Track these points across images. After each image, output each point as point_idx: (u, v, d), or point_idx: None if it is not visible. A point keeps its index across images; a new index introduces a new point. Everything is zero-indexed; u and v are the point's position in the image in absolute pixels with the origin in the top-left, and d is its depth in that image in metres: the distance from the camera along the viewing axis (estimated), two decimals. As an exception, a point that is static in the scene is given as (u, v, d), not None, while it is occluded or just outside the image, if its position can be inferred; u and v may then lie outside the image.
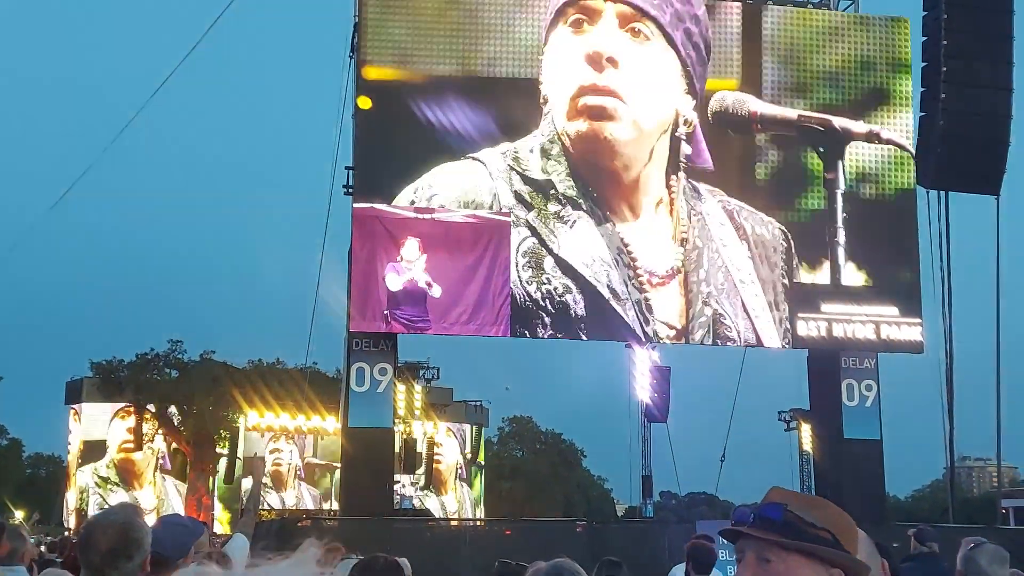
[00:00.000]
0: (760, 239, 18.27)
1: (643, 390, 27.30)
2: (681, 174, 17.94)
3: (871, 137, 18.18)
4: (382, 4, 18.54)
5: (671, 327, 17.93)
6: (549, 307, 17.68)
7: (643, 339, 18.06)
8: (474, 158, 17.99)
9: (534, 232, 17.81)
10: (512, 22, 18.53)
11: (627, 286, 17.64)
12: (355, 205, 18.14)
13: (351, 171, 18.86)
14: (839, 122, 17.98)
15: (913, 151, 18.63)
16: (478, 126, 18.04)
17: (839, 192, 18.12)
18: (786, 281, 18.32)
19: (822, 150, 17.96)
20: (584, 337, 18.01)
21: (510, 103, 18.27)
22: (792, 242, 18.49)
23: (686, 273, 17.98)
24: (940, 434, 20.70)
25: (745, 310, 17.90)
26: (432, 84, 18.26)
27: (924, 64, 20.31)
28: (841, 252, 18.38)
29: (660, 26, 17.89)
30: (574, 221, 17.91)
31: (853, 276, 18.81)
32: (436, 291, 17.68)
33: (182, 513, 32.88)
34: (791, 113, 17.98)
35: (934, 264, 20.31)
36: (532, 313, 17.77)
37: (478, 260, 18.12)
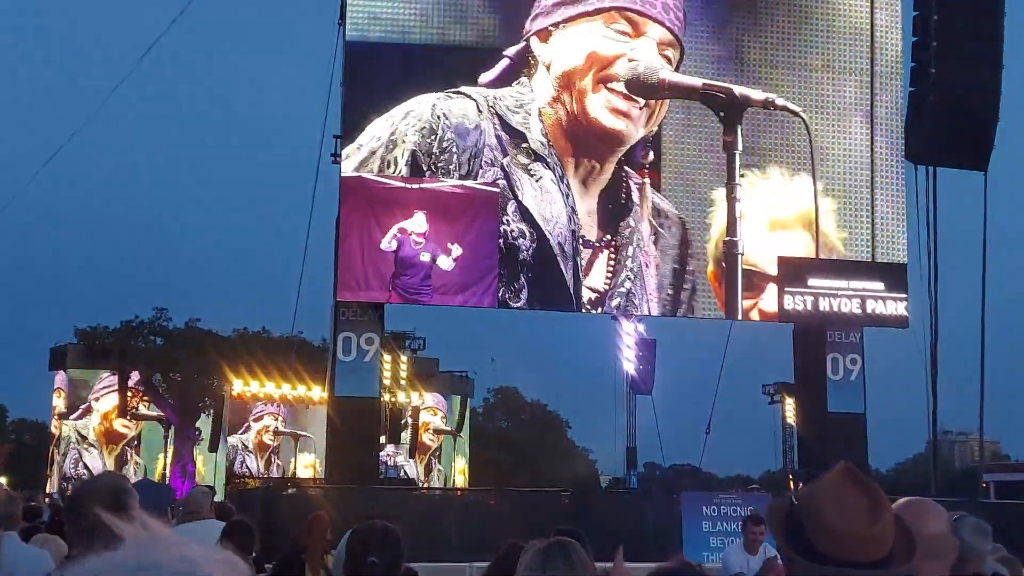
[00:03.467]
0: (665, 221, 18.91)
1: (628, 362, 27.41)
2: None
3: (767, 104, 18.74)
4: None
5: (594, 291, 18.44)
6: (500, 245, 18.02)
7: (572, 299, 18.42)
8: (462, 92, 18.07)
9: (506, 176, 18.06)
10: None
11: (571, 247, 18.24)
12: (342, 174, 18.08)
13: (339, 139, 18.78)
14: (739, 90, 18.65)
15: (805, 117, 18.84)
16: (460, 73, 18.22)
17: (737, 153, 18.52)
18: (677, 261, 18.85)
19: (722, 114, 18.56)
20: (522, 299, 18.19)
21: (494, 61, 18.31)
22: (687, 229, 18.89)
23: (617, 247, 18.46)
24: (923, 408, 20.90)
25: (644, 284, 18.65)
26: (418, 49, 18.27)
27: (915, 39, 20.31)
28: (738, 207, 18.67)
29: (682, 54, 18.80)
30: (540, 177, 18.24)
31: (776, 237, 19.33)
32: (446, 263, 17.78)
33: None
34: (696, 81, 18.69)
35: (920, 240, 20.43)
36: (498, 251, 18.07)
37: (466, 229, 18.13)
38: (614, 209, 18.57)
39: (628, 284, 18.56)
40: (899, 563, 1.98)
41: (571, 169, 18.46)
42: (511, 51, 18.34)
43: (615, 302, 18.69)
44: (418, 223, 17.86)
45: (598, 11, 18.47)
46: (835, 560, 1.95)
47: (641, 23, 18.48)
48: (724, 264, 18.73)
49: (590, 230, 18.46)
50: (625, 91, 18.30)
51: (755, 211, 19.05)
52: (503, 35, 18.55)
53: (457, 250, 17.98)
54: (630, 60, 18.26)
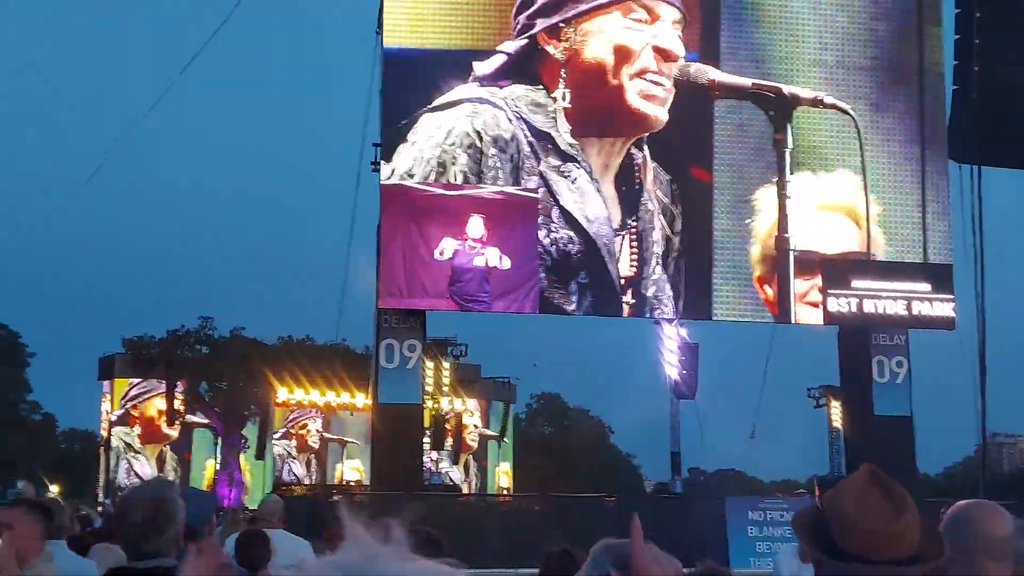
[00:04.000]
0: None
1: (671, 367, 27.24)
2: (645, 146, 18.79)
3: (816, 102, 18.76)
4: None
5: (623, 277, 18.45)
6: (554, 252, 18.12)
7: (619, 298, 18.35)
8: (487, 101, 18.11)
9: (545, 182, 18.13)
10: None
11: (614, 244, 18.32)
12: (382, 182, 18.17)
13: (378, 147, 18.89)
14: (788, 89, 18.71)
15: (854, 114, 18.68)
16: (481, 79, 18.29)
17: (787, 151, 18.57)
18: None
19: (772, 114, 18.59)
20: (574, 303, 18.20)
21: (522, 68, 18.36)
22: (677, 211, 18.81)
23: (639, 232, 18.50)
24: (972, 410, 20.57)
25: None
26: (450, 54, 18.39)
27: (957, 37, 20.05)
28: (790, 205, 18.63)
29: (685, 21, 18.76)
30: (575, 178, 18.29)
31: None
32: (506, 263, 17.85)
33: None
34: (746, 81, 18.72)
35: (966, 239, 20.13)
36: (537, 257, 18.11)
37: (508, 235, 18.16)
38: (627, 191, 18.60)
39: (659, 271, 18.53)
40: (926, 561, 2.00)
41: (593, 156, 18.47)
42: (509, 47, 18.32)
43: (650, 292, 18.56)
44: (475, 228, 17.90)
45: (612, 3, 18.43)
46: (860, 559, 1.98)
47: (655, 7, 18.53)
48: (776, 262, 18.60)
49: (614, 217, 18.49)
50: (656, 78, 18.30)
51: (802, 202, 18.93)
52: (499, 32, 18.58)
53: (502, 254, 18.06)
54: (655, 48, 18.29)
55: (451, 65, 18.28)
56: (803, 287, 18.80)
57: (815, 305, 18.95)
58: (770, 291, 18.82)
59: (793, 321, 19.09)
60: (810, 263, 18.88)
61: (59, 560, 4.72)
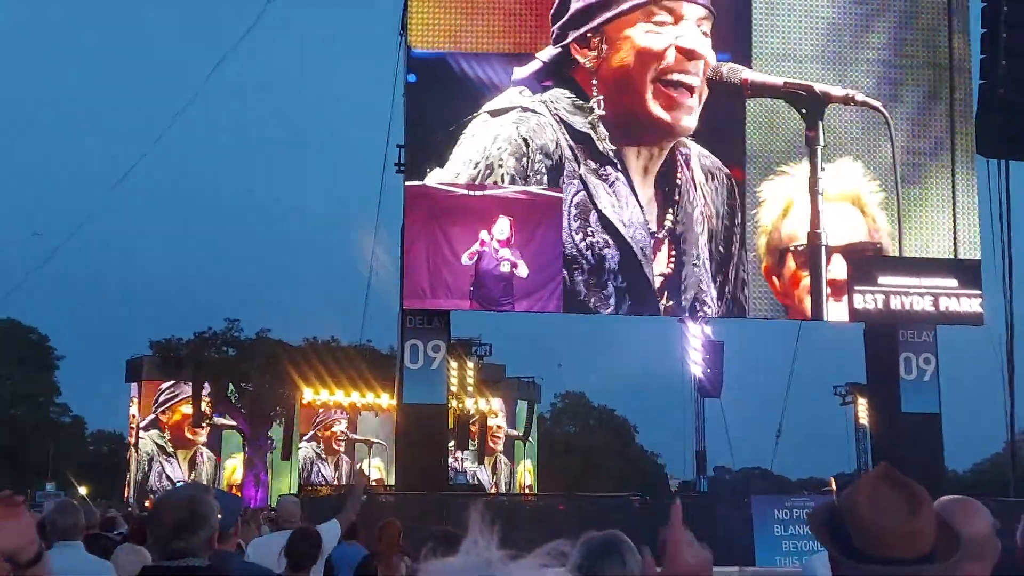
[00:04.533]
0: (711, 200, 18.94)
1: (696, 365, 27.15)
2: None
3: (847, 100, 18.79)
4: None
5: (662, 275, 18.45)
6: (590, 257, 18.13)
7: (656, 300, 18.39)
8: (530, 109, 18.20)
9: (584, 186, 18.15)
10: None
11: (651, 249, 18.35)
12: (406, 183, 18.23)
13: (402, 149, 18.94)
14: (819, 87, 18.79)
15: (885, 111, 18.62)
16: (520, 83, 18.36)
17: (819, 148, 18.63)
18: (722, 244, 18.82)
19: (804, 111, 18.69)
20: (611, 306, 18.19)
21: (561, 74, 18.40)
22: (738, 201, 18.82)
23: (676, 234, 18.54)
24: (1000, 407, 20.42)
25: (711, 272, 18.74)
26: (476, 56, 18.44)
27: (984, 31, 19.92)
28: (820, 201, 18.65)
29: (713, 18, 18.73)
30: (613, 181, 18.31)
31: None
32: (523, 271, 17.89)
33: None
34: (778, 80, 18.84)
35: (994, 235, 19.98)
36: (573, 261, 18.09)
37: (531, 235, 18.18)
38: (669, 191, 18.60)
39: (696, 272, 18.51)
40: (941, 560, 1.99)
41: (632, 161, 18.47)
42: (544, 55, 18.36)
43: (690, 294, 18.57)
44: (501, 229, 17.92)
45: (635, 7, 18.44)
46: (875, 557, 1.97)
47: (678, 8, 18.51)
48: (807, 257, 18.57)
49: (651, 219, 18.49)
50: (680, 78, 18.31)
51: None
52: (536, 38, 18.61)
53: (524, 256, 18.06)
54: (678, 49, 18.29)
55: (485, 70, 18.32)
56: (810, 281, 18.74)
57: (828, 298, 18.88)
58: (777, 282, 18.78)
59: (825, 318, 18.98)
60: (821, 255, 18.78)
61: (74, 561, 4.67)
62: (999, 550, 2.78)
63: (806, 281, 18.73)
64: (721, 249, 18.75)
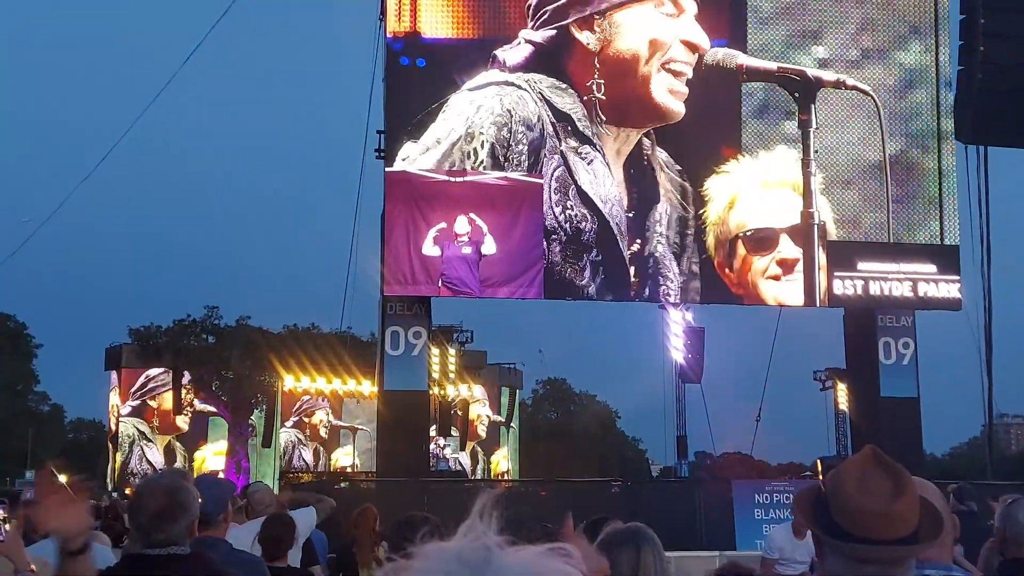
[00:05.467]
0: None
1: (677, 351, 27.27)
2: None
3: (838, 84, 19.05)
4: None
5: (631, 253, 18.62)
6: (568, 229, 18.22)
7: (628, 278, 18.53)
8: (513, 83, 18.22)
9: (564, 161, 18.26)
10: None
11: (625, 226, 18.51)
12: (387, 170, 18.18)
13: (382, 135, 18.88)
14: (812, 72, 19.09)
15: (875, 96, 18.76)
16: (502, 65, 18.31)
17: (811, 131, 18.82)
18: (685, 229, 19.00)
19: (797, 95, 18.94)
20: (586, 279, 18.29)
21: (549, 60, 18.41)
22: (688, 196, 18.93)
23: (644, 215, 18.66)
24: (978, 391, 20.60)
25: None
26: (457, 40, 18.41)
27: (962, 17, 19.99)
28: (814, 182, 18.85)
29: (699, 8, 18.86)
30: (591, 160, 18.40)
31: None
32: (490, 247, 17.91)
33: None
34: (771, 65, 19.15)
35: (972, 220, 20.11)
36: (552, 232, 18.16)
37: (512, 222, 18.18)
38: (635, 174, 18.76)
39: (659, 253, 18.67)
40: (924, 540, 2.03)
41: (608, 142, 18.59)
42: (536, 36, 18.32)
43: (656, 274, 18.73)
44: (460, 226, 17.93)
45: None
46: (860, 538, 2.01)
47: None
48: (804, 239, 18.67)
49: (624, 198, 18.64)
50: (682, 68, 18.46)
51: (751, 182, 18.96)
52: (517, 21, 18.53)
53: (500, 243, 18.03)
54: (682, 41, 18.51)
55: (466, 52, 18.27)
56: (762, 264, 18.83)
57: (776, 279, 18.92)
58: (731, 274, 18.94)
59: (771, 302, 19.09)
60: (765, 240, 18.84)
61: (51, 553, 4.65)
62: (957, 529, 2.82)
63: (757, 264, 18.85)
64: (678, 238, 18.88)
